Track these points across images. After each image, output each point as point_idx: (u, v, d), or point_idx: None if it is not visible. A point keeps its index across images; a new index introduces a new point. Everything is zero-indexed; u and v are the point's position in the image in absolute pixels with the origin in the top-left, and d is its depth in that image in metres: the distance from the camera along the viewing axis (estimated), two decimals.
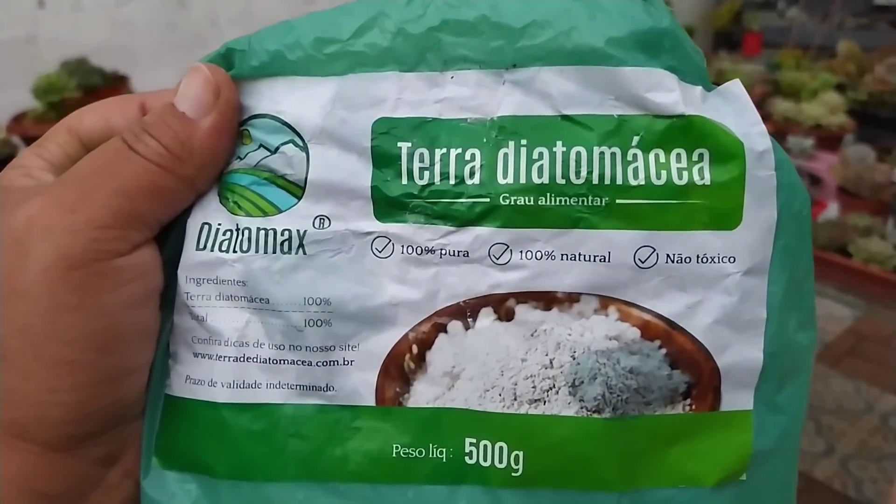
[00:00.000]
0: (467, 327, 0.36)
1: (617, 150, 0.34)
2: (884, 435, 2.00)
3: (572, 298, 0.35)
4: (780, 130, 2.53)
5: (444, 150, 0.35)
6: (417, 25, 0.35)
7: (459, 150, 0.35)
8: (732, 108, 0.35)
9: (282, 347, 0.36)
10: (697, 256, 0.34)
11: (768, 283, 0.35)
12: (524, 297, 0.35)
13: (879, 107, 2.64)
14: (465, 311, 0.36)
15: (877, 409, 2.09)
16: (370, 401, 0.36)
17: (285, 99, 0.36)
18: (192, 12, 2.49)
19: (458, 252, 0.35)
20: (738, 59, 3.16)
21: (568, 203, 0.34)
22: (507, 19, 0.34)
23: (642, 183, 0.34)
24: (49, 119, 2.01)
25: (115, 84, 2.24)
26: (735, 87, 0.36)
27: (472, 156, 0.35)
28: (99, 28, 2.31)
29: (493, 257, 0.35)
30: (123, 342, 0.34)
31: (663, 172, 0.34)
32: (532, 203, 0.34)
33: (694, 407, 0.36)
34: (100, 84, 2.18)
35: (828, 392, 2.13)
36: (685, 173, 0.34)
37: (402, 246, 0.35)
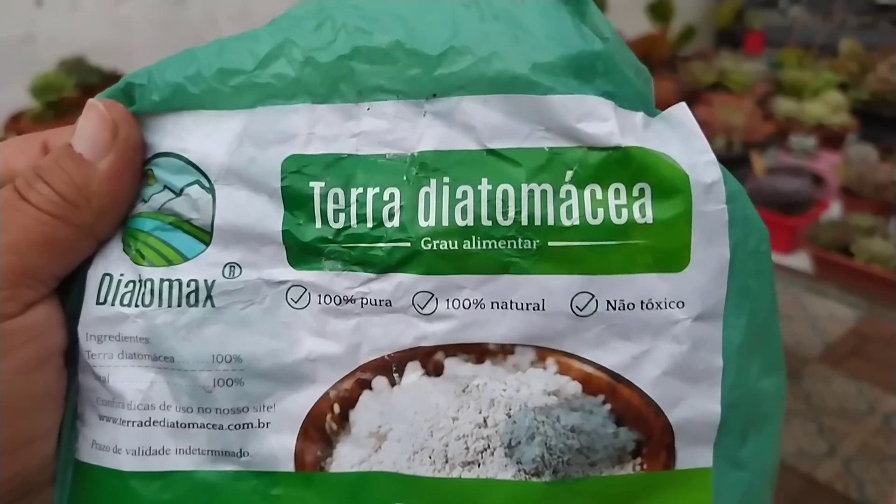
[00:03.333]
0: (393, 383, 0.32)
1: (548, 186, 0.30)
2: (886, 436, 1.97)
3: (506, 350, 0.32)
4: (782, 130, 2.51)
5: (361, 190, 0.31)
6: (327, 53, 0.31)
7: (377, 190, 0.31)
8: (678, 135, 0.31)
9: (190, 410, 0.33)
10: (641, 302, 0.31)
11: (724, 329, 0.31)
12: (453, 349, 0.32)
13: (882, 106, 2.61)
14: (391, 366, 0.32)
15: (879, 409, 2.07)
16: (289, 466, 0.32)
17: (190, 136, 0.33)
18: (191, 11, 2.49)
19: (380, 301, 0.32)
20: (740, 58, 3.13)
21: (496, 247, 0.31)
22: (422, 45, 0.31)
23: (577, 223, 0.30)
24: (47, 118, 2.01)
25: (112, 83, 2.22)
26: (680, 111, 0.32)
27: (392, 195, 0.31)
28: (97, 27, 2.30)
29: (417, 306, 0.31)
30: (19, 411, 0.31)
31: (600, 210, 0.30)
32: (456, 247, 0.31)
33: (645, 466, 0.32)
34: (98, 83, 2.18)
35: (830, 393, 2.10)
36: (625, 211, 0.30)
37: (320, 295, 0.32)
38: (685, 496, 0.32)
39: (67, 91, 2.06)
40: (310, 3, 0.33)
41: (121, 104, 0.32)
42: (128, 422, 0.33)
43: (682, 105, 0.32)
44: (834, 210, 2.04)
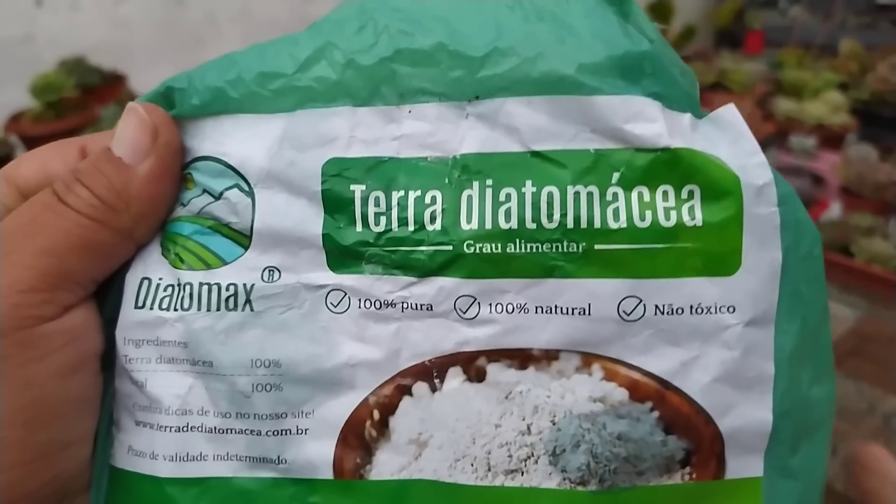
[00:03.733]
0: (434, 389, 0.32)
1: (594, 188, 0.30)
2: (886, 436, 1.96)
3: (550, 356, 0.31)
4: (782, 129, 2.50)
5: (402, 193, 0.31)
6: (369, 56, 0.31)
7: (419, 193, 0.31)
8: (727, 137, 0.31)
9: (228, 415, 0.32)
10: (691, 307, 0.30)
11: (776, 334, 0.30)
12: (496, 354, 0.31)
13: (882, 106, 2.60)
14: (432, 372, 0.32)
15: (879, 410, 2.06)
16: (328, 474, 0.32)
17: (230, 139, 0.32)
18: (191, 11, 2.47)
19: (421, 305, 0.31)
20: (740, 58, 3.12)
21: (540, 250, 0.30)
22: (465, 47, 0.30)
23: (624, 226, 0.30)
24: (47, 118, 2.00)
25: (113, 83, 2.22)
26: (729, 112, 0.31)
27: (433, 199, 0.31)
28: (97, 27, 2.29)
29: (459, 311, 0.31)
30: (55, 415, 0.30)
31: (648, 213, 0.30)
32: (500, 251, 0.30)
33: (694, 476, 0.31)
34: (98, 83, 2.17)
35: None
36: (673, 213, 0.30)
37: (360, 300, 0.31)
38: None
39: (67, 91, 2.05)
40: (351, 5, 0.32)
41: (161, 108, 0.32)
42: (165, 427, 0.32)
43: (731, 106, 0.31)
44: (834, 210, 2.04)
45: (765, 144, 2.47)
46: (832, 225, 1.87)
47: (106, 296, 0.33)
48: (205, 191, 0.32)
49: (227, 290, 0.32)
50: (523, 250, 0.30)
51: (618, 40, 0.30)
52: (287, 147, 0.31)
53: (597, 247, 0.30)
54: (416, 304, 0.31)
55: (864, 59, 2.89)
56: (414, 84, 0.31)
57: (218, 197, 0.32)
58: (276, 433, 0.32)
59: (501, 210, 0.30)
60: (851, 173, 2.06)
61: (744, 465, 0.31)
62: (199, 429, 0.32)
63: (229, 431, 0.32)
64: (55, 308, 0.30)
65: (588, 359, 0.31)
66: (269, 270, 0.32)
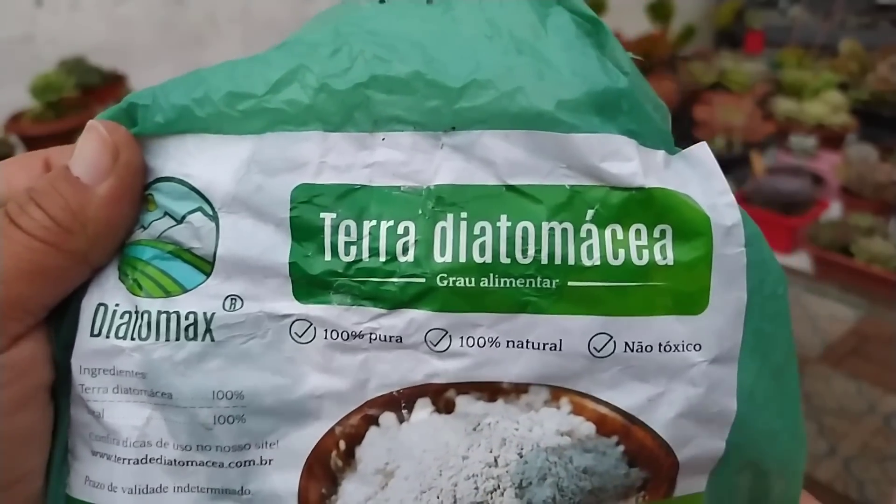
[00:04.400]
0: (402, 420, 0.31)
1: (569, 225, 0.29)
2: (886, 436, 1.96)
3: (520, 389, 0.31)
4: (782, 130, 2.49)
5: (374, 223, 0.30)
6: (343, 81, 0.30)
7: (391, 223, 0.30)
8: (698, 175, 0.31)
9: (188, 448, 0.31)
10: (659, 345, 0.30)
11: (738, 372, 0.31)
12: (465, 387, 0.31)
13: (882, 106, 2.59)
14: (400, 402, 0.31)
15: (879, 409, 2.06)
16: None
17: (194, 160, 0.31)
18: (191, 11, 2.47)
19: (390, 337, 0.30)
20: (740, 58, 3.11)
21: (514, 285, 0.29)
22: (443, 76, 0.30)
23: (597, 263, 0.29)
24: (47, 118, 1.99)
25: (112, 83, 2.22)
26: (701, 150, 0.31)
27: (406, 229, 0.30)
28: (97, 27, 2.28)
29: (429, 343, 0.30)
30: (1, 453, 0.29)
31: (621, 251, 0.29)
32: (473, 285, 0.29)
33: (647, 497, 0.32)
34: (98, 83, 2.17)
35: (829, 393, 2.09)
36: (646, 252, 0.30)
37: (326, 330, 0.30)
38: None
39: (67, 91, 2.05)
40: (325, 27, 0.32)
41: (123, 127, 0.31)
42: (123, 459, 0.31)
43: (703, 145, 0.31)
44: (834, 210, 2.03)
45: (765, 144, 2.46)
46: (832, 225, 1.87)
47: (62, 318, 0.32)
48: (166, 213, 0.31)
49: (187, 318, 0.31)
50: (497, 285, 0.29)
51: (596, 77, 0.30)
52: (255, 171, 0.30)
53: (570, 283, 0.29)
54: (385, 336, 0.30)
55: (864, 59, 2.88)
56: (388, 111, 0.30)
57: (180, 220, 0.31)
58: (238, 464, 0.31)
59: (476, 244, 0.30)
60: (851, 173, 2.05)
61: (690, 485, 0.32)
62: (159, 461, 0.31)
63: (190, 464, 0.31)
64: (3, 339, 0.28)
65: (557, 392, 0.31)
66: (231, 299, 0.31)
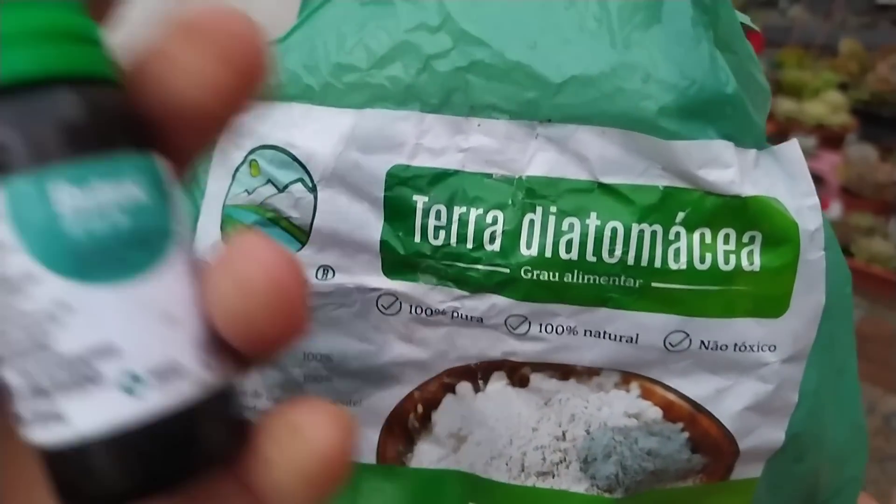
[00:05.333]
0: (477, 389, 0.32)
1: (658, 227, 0.29)
2: (886, 436, 1.96)
3: (592, 371, 0.31)
4: (782, 130, 2.48)
5: (464, 210, 0.30)
6: (445, 62, 0.30)
7: (480, 211, 0.30)
8: (785, 174, 0.31)
9: (280, 400, 0.32)
10: (735, 345, 0.30)
11: (805, 368, 0.31)
12: (540, 366, 0.32)
13: (882, 106, 2.59)
14: (476, 373, 0.32)
15: (879, 410, 2.06)
16: (371, 458, 0.33)
17: (299, 131, 0.31)
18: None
19: (471, 317, 0.31)
20: None
21: (597, 282, 0.30)
22: (544, 70, 0.29)
23: (683, 267, 0.29)
24: None
25: None
26: (791, 149, 0.31)
27: (494, 219, 0.30)
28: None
29: (509, 327, 0.31)
30: None
31: (708, 255, 0.30)
32: (556, 279, 0.30)
33: (704, 479, 0.33)
34: None
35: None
36: (733, 257, 0.30)
37: (411, 305, 0.31)
38: (730, 499, 0.33)
39: None
40: None
41: None
42: None
43: (794, 143, 0.31)
44: (834, 210, 2.04)
45: None
46: (832, 225, 1.88)
47: None
48: (269, 181, 0.32)
49: None
50: (580, 281, 0.30)
51: (704, 80, 0.29)
52: (353, 147, 0.30)
53: (653, 284, 0.30)
54: (467, 316, 0.31)
55: (864, 59, 2.87)
56: (486, 99, 0.30)
57: (282, 189, 0.31)
58: None
59: (563, 240, 0.30)
60: (851, 173, 2.06)
61: (747, 470, 0.33)
62: (253, 410, 0.32)
63: None
64: None
65: (627, 377, 0.31)
66: (324, 269, 0.31)
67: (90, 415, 0.15)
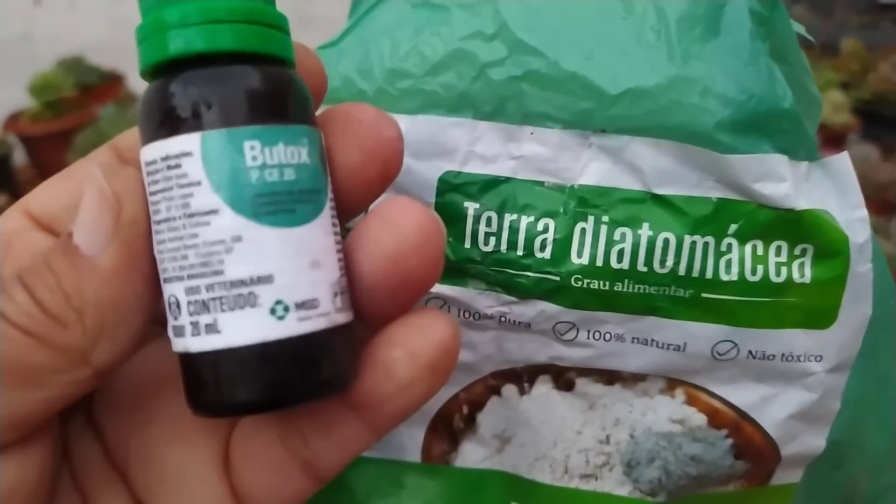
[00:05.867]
0: (522, 392, 0.32)
1: (710, 239, 0.29)
2: None
3: (637, 377, 0.32)
4: None
5: (515, 217, 0.30)
6: (499, 71, 0.30)
7: (531, 219, 0.30)
8: (836, 186, 0.30)
9: None
10: (783, 355, 0.30)
11: (849, 377, 0.31)
12: (586, 371, 0.32)
13: (883, 105, 2.59)
14: (522, 376, 0.32)
15: None
16: (416, 457, 0.33)
17: None
18: None
19: (519, 322, 0.31)
20: None
21: (647, 291, 0.30)
22: (600, 81, 0.29)
23: (735, 278, 0.29)
24: (45, 118, 1.96)
25: (111, 82, 2.20)
26: (842, 162, 0.31)
27: (545, 227, 0.30)
28: (95, 26, 2.24)
29: (557, 333, 0.31)
30: None
31: (760, 267, 0.29)
32: (607, 288, 0.30)
33: (745, 484, 0.33)
34: (96, 82, 2.14)
35: None
36: (784, 269, 0.30)
37: (459, 309, 0.31)
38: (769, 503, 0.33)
39: (66, 90, 2.00)
40: (484, 2, 0.30)
41: (128, 167, 0.21)
42: None
43: (845, 156, 0.31)
44: None
45: None
46: None
47: None
48: None
49: None
50: (630, 290, 0.30)
51: (762, 94, 0.29)
52: (405, 153, 0.29)
53: (704, 295, 0.30)
54: (515, 321, 0.31)
55: (866, 58, 2.87)
56: (540, 108, 0.30)
57: None
58: None
59: (614, 250, 0.29)
60: None
61: (787, 476, 0.33)
62: None
63: None
64: None
65: (673, 383, 0.32)
66: None
67: (242, 329, 0.18)
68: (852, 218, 0.30)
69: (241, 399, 0.19)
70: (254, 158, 0.18)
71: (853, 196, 0.30)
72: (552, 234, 0.30)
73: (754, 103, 0.28)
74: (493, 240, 0.30)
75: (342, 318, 0.20)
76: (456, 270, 0.31)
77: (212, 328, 0.18)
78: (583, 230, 0.30)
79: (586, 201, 0.30)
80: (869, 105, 2.62)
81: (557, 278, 0.30)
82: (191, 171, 0.18)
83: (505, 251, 0.30)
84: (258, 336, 0.18)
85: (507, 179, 0.30)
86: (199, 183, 0.18)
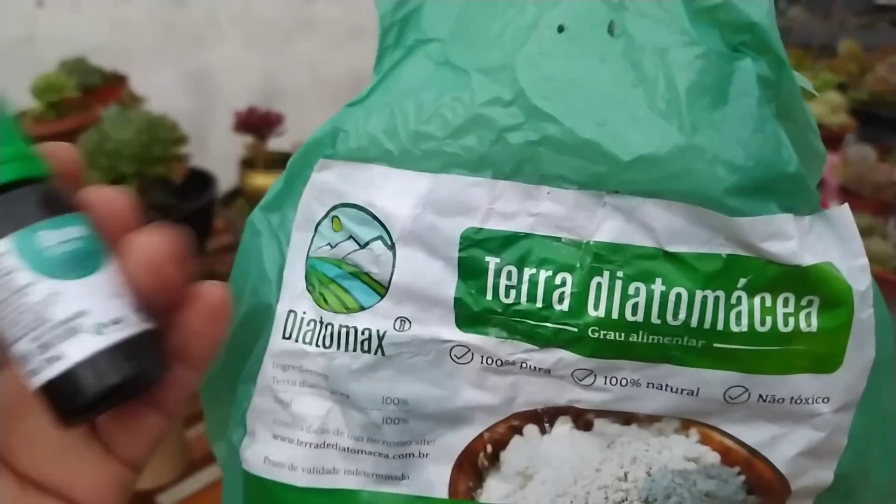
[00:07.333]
0: (543, 432, 0.34)
1: (721, 293, 0.30)
2: None
3: (653, 418, 0.33)
4: None
5: (534, 271, 0.31)
6: (517, 135, 0.31)
7: (550, 273, 0.31)
8: (837, 237, 0.32)
9: (360, 439, 0.34)
10: (791, 398, 0.32)
11: (854, 415, 0.32)
12: (604, 413, 0.33)
13: (881, 106, 2.59)
14: (543, 417, 0.33)
15: None
16: (443, 492, 0.34)
17: (378, 192, 0.33)
18: (192, 11, 2.42)
19: (539, 369, 0.32)
20: None
21: (661, 342, 0.31)
22: (613, 147, 0.30)
23: (745, 330, 0.31)
24: (48, 119, 1.97)
25: (114, 83, 2.20)
26: (842, 214, 0.32)
27: (563, 280, 0.31)
28: (98, 28, 2.23)
29: (575, 378, 0.32)
30: None
31: (768, 319, 0.31)
32: (623, 339, 0.31)
33: None
34: (99, 84, 2.14)
35: None
36: (791, 320, 0.31)
37: (482, 356, 0.33)
38: None
39: (68, 92, 2.00)
40: (502, 67, 0.32)
41: None
42: (305, 442, 0.34)
43: (846, 208, 0.32)
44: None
45: None
46: None
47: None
48: (351, 237, 0.33)
49: (363, 333, 0.33)
50: (644, 340, 0.31)
51: (770, 161, 0.30)
52: (429, 210, 0.32)
53: (715, 345, 0.31)
54: (535, 367, 0.32)
55: (863, 59, 2.87)
56: (556, 170, 0.31)
57: (363, 246, 0.33)
58: (400, 456, 0.34)
59: (629, 303, 0.31)
60: (850, 173, 2.06)
61: None
62: (335, 447, 0.34)
63: (361, 452, 0.34)
64: None
65: (687, 423, 0.33)
66: (401, 320, 0.33)
67: (78, 349, 0.24)
68: (854, 266, 0.31)
69: (89, 398, 0.24)
70: (47, 241, 0.24)
71: (854, 245, 0.32)
72: (570, 287, 0.31)
73: (761, 169, 0.30)
74: (513, 292, 0.32)
75: (147, 325, 0.25)
76: (479, 320, 0.32)
77: (57, 358, 0.24)
78: (598, 284, 0.31)
79: (602, 257, 0.31)
80: (866, 106, 2.62)
81: (575, 329, 0.31)
82: (8, 262, 0.24)
83: (525, 303, 0.32)
84: (90, 349, 0.24)
85: (527, 235, 0.32)
86: (16, 268, 0.24)
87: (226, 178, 1.67)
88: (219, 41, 2.47)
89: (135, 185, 1.46)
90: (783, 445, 0.32)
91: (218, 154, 1.93)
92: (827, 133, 2.50)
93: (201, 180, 1.43)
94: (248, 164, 1.54)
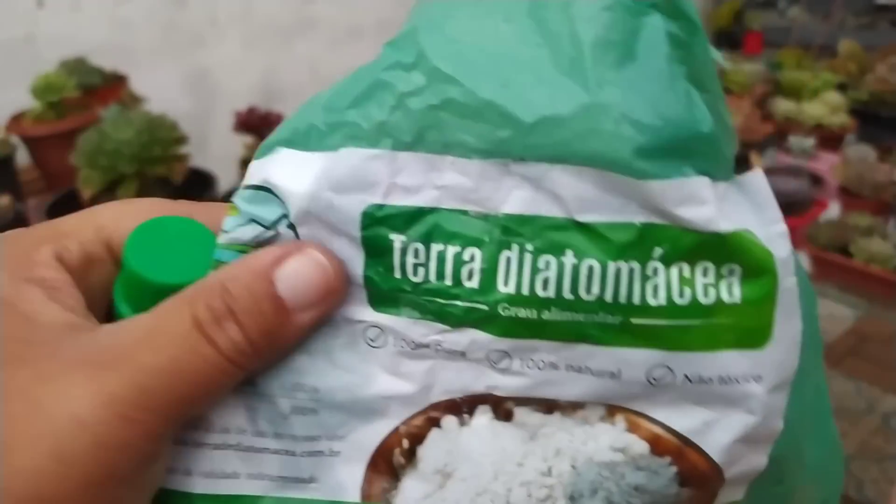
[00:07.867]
0: (462, 424, 0.31)
1: (636, 264, 0.28)
2: (885, 435, 1.93)
3: (576, 405, 0.30)
4: (780, 130, 2.45)
5: (441, 247, 0.29)
6: (418, 100, 0.29)
7: (458, 249, 0.29)
8: (753, 204, 0.29)
9: (265, 434, 0.32)
10: (720, 377, 0.29)
11: (789, 395, 0.30)
12: (524, 400, 0.30)
13: (880, 106, 2.57)
14: (461, 407, 0.31)
15: (878, 409, 2.03)
16: (355, 496, 0.32)
17: (277, 169, 0.31)
18: (192, 11, 2.42)
19: (454, 351, 0.30)
20: (740, 59, 3.06)
21: (575, 319, 0.29)
22: (516, 109, 0.28)
23: (663, 303, 0.28)
24: (48, 119, 1.97)
25: (114, 83, 2.20)
26: (757, 179, 0.30)
27: (472, 256, 0.29)
28: (98, 27, 2.23)
29: (491, 361, 0.30)
30: None
31: (687, 290, 0.28)
32: (535, 316, 0.29)
33: None
34: (99, 83, 2.14)
35: (829, 392, 2.11)
36: (712, 290, 0.28)
37: (395, 338, 0.31)
38: None
39: (68, 92, 2.00)
40: (406, 33, 0.30)
41: (337, 257, 0.30)
42: (202, 444, 0.32)
43: (759, 172, 0.30)
44: (833, 210, 2.03)
45: (763, 145, 2.47)
46: (831, 225, 1.85)
47: None
48: (252, 220, 0.31)
49: None
50: (558, 318, 0.29)
51: (681, 120, 0.27)
52: (325, 188, 0.30)
53: (633, 321, 0.28)
54: (450, 349, 0.30)
55: (863, 59, 2.86)
56: (459, 137, 0.29)
57: (269, 226, 0.31)
58: (309, 454, 0.32)
59: (539, 277, 0.29)
60: (850, 173, 2.05)
61: (729, 495, 0.32)
62: (236, 447, 0.32)
63: (265, 450, 0.32)
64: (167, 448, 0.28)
65: (613, 410, 0.30)
66: None
67: None
68: (772, 233, 0.29)
69: None
70: None
71: (770, 212, 0.29)
72: (478, 263, 0.29)
73: (672, 128, 0.27)
74: (421, 270, 0.30)
75: None
76: (390, 299, 0.30)
77: None
78: (508, 259, 0.29)
79: (510, 230, 0.29)
80: (866, 106, 2.61)
81: (486, 307, 0.29)
82: None
83: (434, 281, 0.30)
84: None
85: (432, 210, 0.30)
86: None
87: (226, 178, 1.67)
88: (219, 41, 2.48)
89: (135, 186, 1.46)
90: (716, 432, 0.30)
91: (218, 154, 1.94)
92: (827, 133, 2.52)
93: (201, 180, 1.42)
94: (248, 163, 1.55)
